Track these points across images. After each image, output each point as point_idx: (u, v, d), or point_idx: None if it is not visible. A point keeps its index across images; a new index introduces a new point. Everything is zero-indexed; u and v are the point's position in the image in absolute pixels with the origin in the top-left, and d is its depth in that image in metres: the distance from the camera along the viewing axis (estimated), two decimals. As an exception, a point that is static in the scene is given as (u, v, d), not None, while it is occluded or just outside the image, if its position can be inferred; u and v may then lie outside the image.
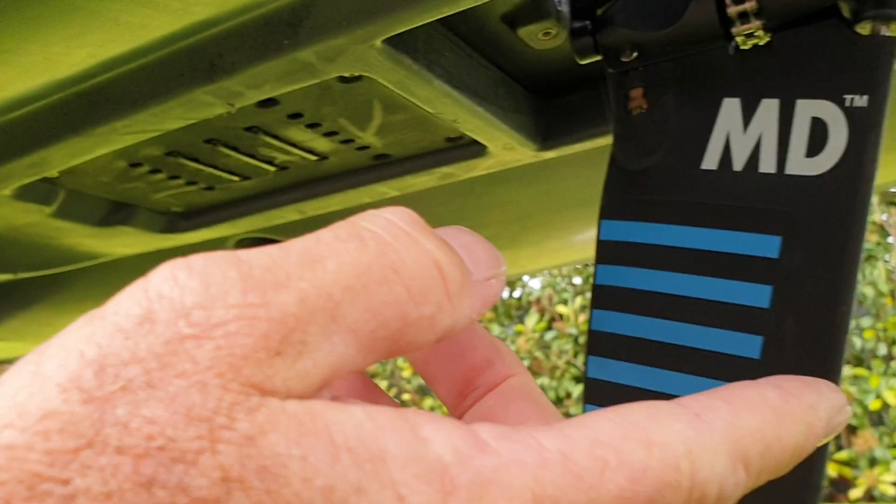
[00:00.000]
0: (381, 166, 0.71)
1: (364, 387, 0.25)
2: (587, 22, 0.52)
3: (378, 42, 0.48)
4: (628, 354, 0.45)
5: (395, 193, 0.76)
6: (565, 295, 6.34)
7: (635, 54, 0.50)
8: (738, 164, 0.45)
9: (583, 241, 1.04)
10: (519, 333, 6.44)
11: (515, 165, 0.69)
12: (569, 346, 6.13)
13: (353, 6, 0.46)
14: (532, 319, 6.34)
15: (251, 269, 0.17)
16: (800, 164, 0.44)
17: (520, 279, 7.05)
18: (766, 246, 0.43)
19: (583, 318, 6.06)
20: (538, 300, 6.59)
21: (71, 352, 0.16)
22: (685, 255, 0.45)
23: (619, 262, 0.47)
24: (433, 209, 0.87)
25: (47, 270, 0.93)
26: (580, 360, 6.11)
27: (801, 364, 0.41)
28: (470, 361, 0.25)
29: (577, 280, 6.27)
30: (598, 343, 0.47)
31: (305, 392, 0.17)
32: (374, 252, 0.18)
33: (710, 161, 0.46)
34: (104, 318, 0.17)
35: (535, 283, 6.70)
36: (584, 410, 0.47)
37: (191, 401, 0.16)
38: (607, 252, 0.48)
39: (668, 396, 0.46)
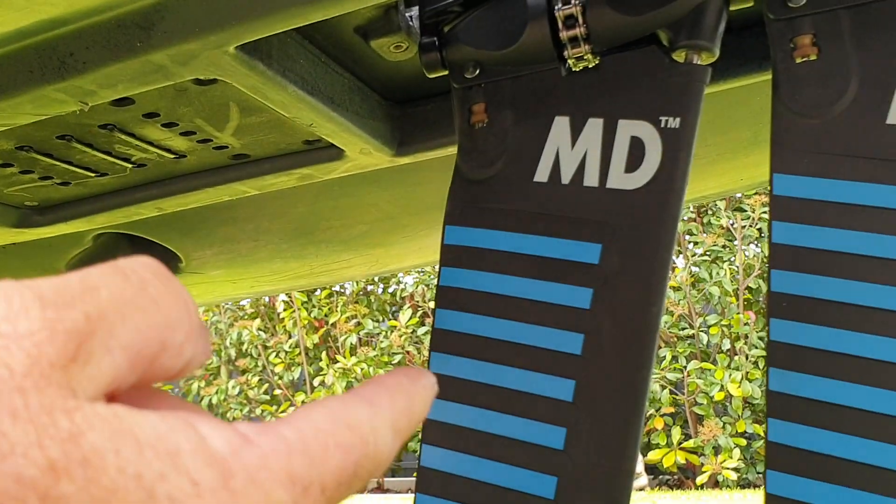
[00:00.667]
0: (240, 165, 0.72)
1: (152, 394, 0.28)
2: (435, 38, 0.55)
3: (231, 48, 0.49)
4: (467, 350, 0.49)
5: (255, 192, 0.77)
6: (437, 291, 6.43)
7: (478, 71, 0.54)
8: (566, 177, 0.49)
9: (416, 247, 1.08)
10: (393, 328, 6.49)
11: (374, 169, 0.72)
12: (440, 342, 6.22)
13: (206, 13, 0.47)
14: (405, 315, 6.40)
15: (42, 291, 0.20)
16: (619, 179, 0.48)
17: (394, 276, 7.09)
18: (588, 252, 0.47)
19: (454, 313, 6.16)
20: (411, 296, 6.66)
21: None
22: (518, 259, 0.49)
23: (461, 265, 0.50)
24: (297, 209, 0.88)
25: None
26: (451, 355, 6.22)
27: (617, 358, 0.46)
28: None
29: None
30: (440, 340, 0.50)
31: (96, 394, 0.20)
32: (136, 286, 0.22)
33: (542, 174, 0.50)
34: None
35: (408, 280, 6.76)
36: (425, 403, 0.50)
37: (14, 404, 0.18)
38: (450, 256, 0.51)
39: (500, 390, 0.49)
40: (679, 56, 0.49)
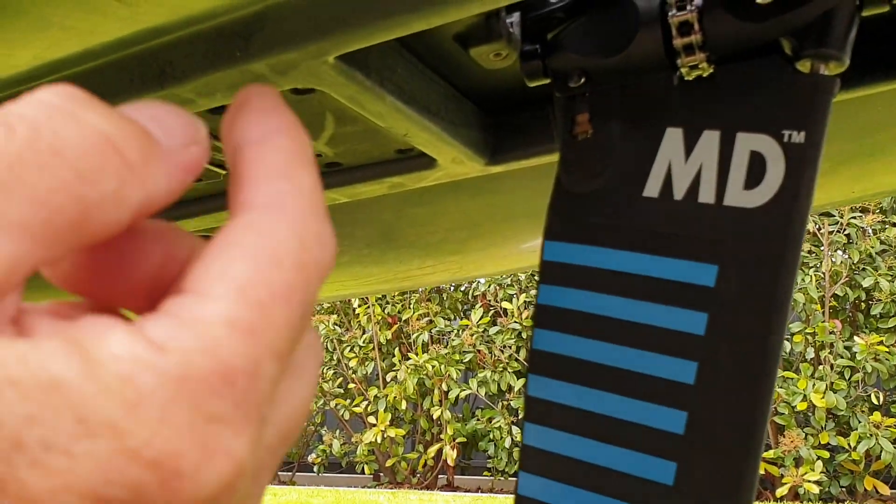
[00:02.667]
0: (332, 173, 0.71)
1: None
2: (537, 46, 0.53)
3: (331, 58, 0.48)
4: (568, 374, 0.46)
5: (345, 200, 0.76)
6: (510, 291, 6.39)
7: (583, 80, 0.52)
8: (679, 193, 0.46)
9: (529, 250, 1.05)
10: (464, 327, 6.48)
11: (464, 177, 0.70)
12: (512, 341, 6.18)
13: (307, 22, 0.46)
14: (477, 314, 6.38)
15: None
16: (738, 196, 0.45)
17: (466, 273, 7.07)
18: (703, 274, 0.44)
19: (526, 314, 6.11)
20: (483, 295, 6.63)
21: None
22: (625, 279, 0.46)
23: (562, 283, 0.48)
24: (383, 215, 0.87)
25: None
26: (523, 355, 6.17)
27: (733, 390, 0.43)
28: (147, 265, 0.22)
29: (522, 277, 6.32)
30: (539, 362, 0.48)
31: None
32: (24, 138, 0.17)
33: (652, 189, 0.47)
34: None
35: (480, 279, 6.74)
36: (524, 428, 0.48)
37: None
38: (550, 272, 0.49)
39: (605, 418, 0.47)
40: (804, 66, 0.46)
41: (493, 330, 6.32)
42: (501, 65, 0.56)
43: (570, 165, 0.50)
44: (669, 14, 0.47)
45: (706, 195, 0.46)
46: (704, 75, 0.48)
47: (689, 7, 0.47)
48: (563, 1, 0.52)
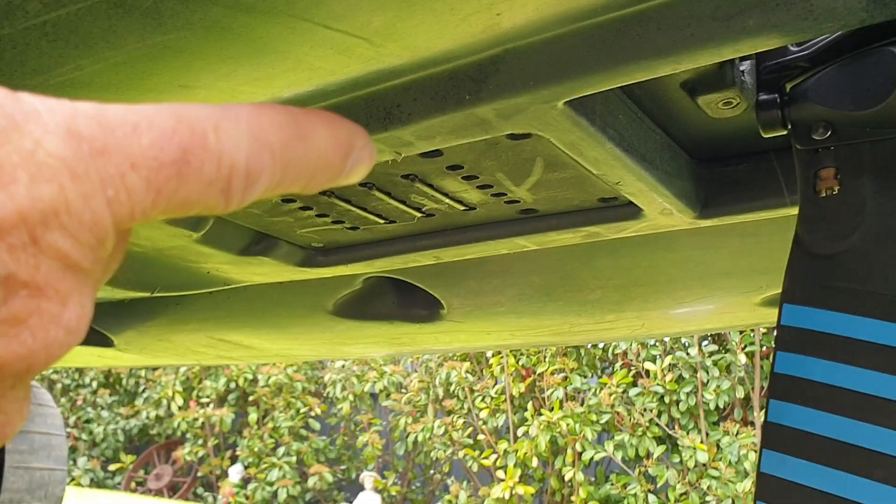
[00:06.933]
0: (526, 220, 0.70)
1: None
2: (776, 95, 0.50)
3: (560, 103, 0.47)
4: (809, 452, 0.42)
5: (534, 247, 0.75)
6: (654, 351, 6.16)
7: (829, 133, 0.48)
8: (946, 260, 0.42)
9: (687, 315, 1.00)
10: (602, 386, 6.29)
11: (665, 230, 0.67)
12: (653, 405, 5.93)
13: (543, 66, 0.45)
14: (618, 374, 6.18)
15: None
16: None
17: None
18: (976, 352, 0.40)
19: (670, 377, 5.88)
20: (624, 354, 6.42)
21: None
22: (879, 351, 0.42)
23: (803, 352, 0.44)
24: (569, 265, 0.85)
25: (183, 292, 0.95)
26: (664, 420, 5.92)
27: None
28: None
29: (667, 338, 6.08)
30: (774, 436, 0.44)
31: None
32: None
33: (912, 253, 0.43)
34: None
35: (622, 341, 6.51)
36: (757, 507, 0.44)
37: None
38: (789, 339, 0.45)
39: (851, 503, 0.42)
40: None
41: (633, 391, 6.10)
42: (730, 114, 0.53)
43: (813, 223, 0.47)
44: (937, 65, 0.43)
45: None
46: (973, 132, 0.44)
47: (961, 57, 0.43)
48: (807, 50, 0.49)
